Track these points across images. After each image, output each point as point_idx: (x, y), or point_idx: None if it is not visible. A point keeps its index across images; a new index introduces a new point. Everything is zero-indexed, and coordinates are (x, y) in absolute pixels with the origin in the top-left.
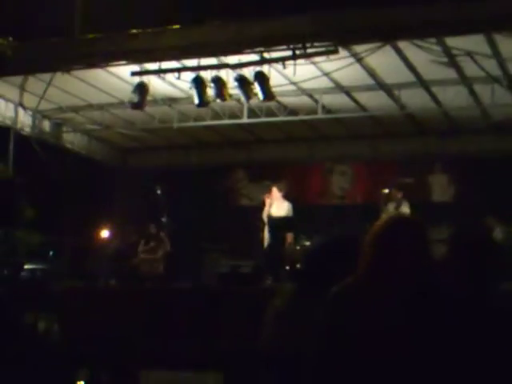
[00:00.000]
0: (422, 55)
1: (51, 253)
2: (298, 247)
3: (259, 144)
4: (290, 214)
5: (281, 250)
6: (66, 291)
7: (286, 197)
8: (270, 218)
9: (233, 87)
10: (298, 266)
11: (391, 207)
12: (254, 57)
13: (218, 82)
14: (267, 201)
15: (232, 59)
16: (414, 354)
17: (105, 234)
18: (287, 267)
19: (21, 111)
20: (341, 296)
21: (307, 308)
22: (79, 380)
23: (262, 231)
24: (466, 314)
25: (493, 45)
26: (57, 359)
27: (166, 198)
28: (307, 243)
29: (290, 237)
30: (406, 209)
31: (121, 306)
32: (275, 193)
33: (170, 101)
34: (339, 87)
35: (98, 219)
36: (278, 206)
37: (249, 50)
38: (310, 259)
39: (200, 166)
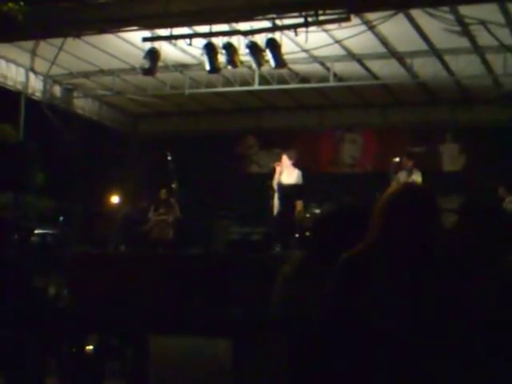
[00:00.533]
0: (435, 24)
1: (61, 218)
2: (308, 215)
3: (270, 111)
4: (300, 181)
5: (291, 217)
6: (76, 256)
7: (296, 165)
8: (280, 185)
9: (244, 54)
10: (308, 233)
11: (402, 176)
12: (266, 23)
13: (230, 49)
14: (277, 168)
15: (244, 26)
16: (425, 321)
17: (115, 199)
18: (297, 235)
19: (32, 76)
20: (350, 263)
21: (316, 275)
22: (88, 345)
23: (272, 199)
24: (476, 281)
25: (506, 14)
26: (66, 324)
27: (177, 164)
28: (317, 211)
29: (299, 205)
30: (417, 178)
31: (131, 272)
32: (285, 160)
33: (182, 67)
34: (351, 55)
35: (109, 185)
36: (288, 173)
37: (261, 17)
38: (319, 227)
39: (211, 133)
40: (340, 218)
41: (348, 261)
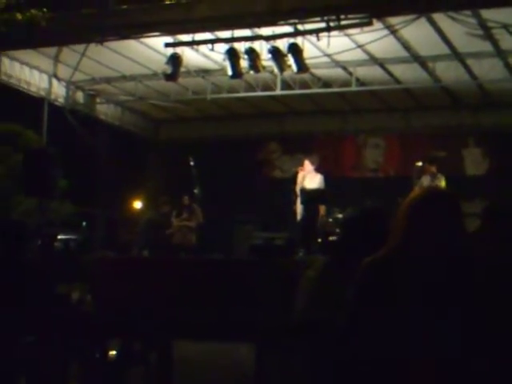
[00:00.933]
0: (457, 27)
1: (84, 223)
2: (331, 220)
3: (292, 116)
4: (323, 186)
5: (313, 222)
6: (98, 261)
7: (319, 169)
8: (303, 190)
9: (266, 59)
10: (331, 238)
11: (425, 181)
12: (288, 28)
13: (252, 54)
14: (300, 173)
15: (266, 31)
16: (450, 324)
17: (138, 205)
18: (319, 240)
19: (55, 82)
20: (373, 267)
21: (339, 279)
22: (111, 350)
23: (295, 204)
24: (500, 284)
25: None
26: (89, 329)
27: (199, 169)
28: (340, 216)
29: (322, 209)
30: (440, 182)
31: (154, 277)
32: (308, 166)
33: (204, 72)
34: (373, 59)
35: (131, 190)
36: (310, 178)
37: (283, 22)
38: (342, 231)
39: (233, 138)
40: (363, 222)
41: (371, 265)
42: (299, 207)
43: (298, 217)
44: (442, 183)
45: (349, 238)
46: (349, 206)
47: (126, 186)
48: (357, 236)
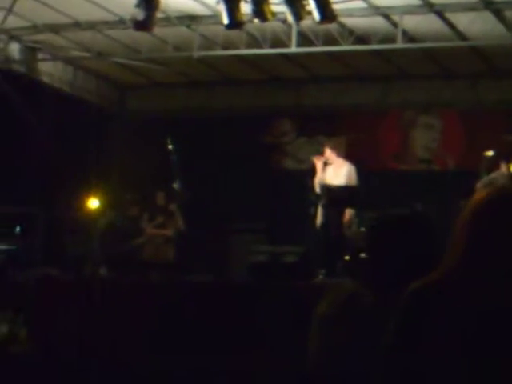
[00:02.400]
0: None
1: (18, 229)
2: (363, 229)
3: (313, 84)
4: (353, 181)
5: (339, 232)
6: (38, 283)
7: (348, 158)
8: (325, 187)
9: (277, 2)
10: (363, 255)
11: (501, 178)
12: None
13: None
14: (318, 164)
15: None
16: None
17: (94, 203)
18: (347, 257)
19: None
20: (423, 296)
21: (371, 315)
22: None
23: (314, 206)
24: None
25: None
26: (23, 377)
27: (181, 155)
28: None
29: (348, 214)
30: None
31: (114, 306)
32: (329, 153)
33: (190, 20)
34: (428, 5)
35: (85, 183)
36: (335, 171)
37: None
38: (375, 245)
39: (229, 113)
40: (407, 233)
41: (419, 294)
42: (320, 211)
43: (318, 224)
44: None
45: (380, 255)
46: (389, 211)
47: (77, 176)
48: (397, 253)
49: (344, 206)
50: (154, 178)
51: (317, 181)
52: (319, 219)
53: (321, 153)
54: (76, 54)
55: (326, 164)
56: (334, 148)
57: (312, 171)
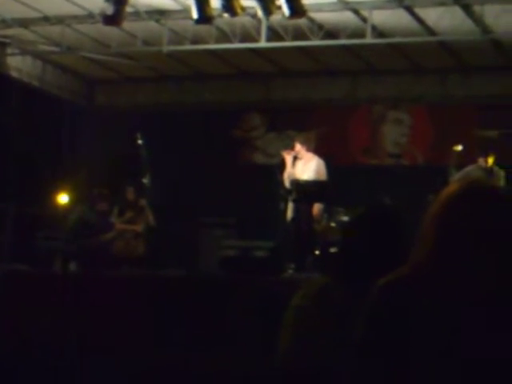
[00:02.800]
0: None
1: None
2: (333, 224)
3: (283, 78)
4: (323, 176)
5: (309, 227)
6: (5, 278)
7: (317, 152)
8: (295, 182)
9: None
10: (333, 249)
11: (476, 171)
12: None
13: None
14: (287, 158)
15: None
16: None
17: (63, 198)
18: (317, 251)
19: None
20: (392, 292)
21: (342, 310)
22: None
23: (284, 201)
24: None
25: None
26: None
27: (150, 150)
28: (345, 219)
29: (318, 209)
30: (498, 180)
31: (84, 301)
32: (299, 148)
33: (159, 14)
34: (396, 0)
35: (54, 177)
36: (304, 165)
37: None
38: (346, 240)
39: (198, 107)
40: (376, 227)
41: (387, 289)
42: (289, 206)
43: (288, 219)
44: (501, 181)
45: (352, 249)
46: (358, 206)
47: (46, 171)
48: (363, 247)
49: (313, 201)
50: (123, 172)
51: (286, 175)
52: (289, 214)
53: (291, 147)
54: (45, 48)
55: (295, 158)
56: (304, 142)
57: (282, 166)
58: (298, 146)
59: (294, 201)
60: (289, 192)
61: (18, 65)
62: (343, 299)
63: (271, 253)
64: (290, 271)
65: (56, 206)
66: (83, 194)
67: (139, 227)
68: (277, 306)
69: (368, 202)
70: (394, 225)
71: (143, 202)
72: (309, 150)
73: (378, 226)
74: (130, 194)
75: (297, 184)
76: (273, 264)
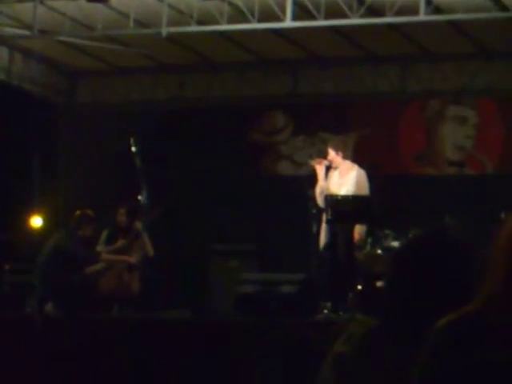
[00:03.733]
0: None
1: None
2: (379, 251)
3: (313, 67)
4: (364, 190)
5: (348, 255)
6: None
7: (357, 160)
8: (329, 198)
9: None
10: (379, 283)
11: None
12: None
13: None
14: (318, 169)
15: None
16: None
17: (36, 221)
18: (359, 286)
19: None
20: (455, 333)
21: (394, 356)
22: None
23: (317, 222)
24: None
25: None
26: None
27: (146, 159)
28: (395, 244)
29: (360, 232)
30: None
31: (63, 353)
32: (333, 155)
33: None
34: None
35: (24, 195)
36: (341, 177)
37: None
38: (396, 272)
39: (207, 105)
40: (432, 256)
41: (448, 331)
42: (323, 228)
43: (321, 245)
44: None
45: (402, 284)
46: (411, 228)
47: (14, 186)
48: (417, 282)
49: (354, 222)
50: (113, 188)
51: (319, 190)
52: (323, 239)
53: (323, 155)
54: (13, 32)
55: (329, 168)
56: (339, 148)
57: (313, 177)
58: (332, 153)
59: (329, 222)
60: (322, 211)
61: None
62: (393, 345)
63: (301, 288)
64: (326, 311)
65: (28, 231)
66: (62, 215)
67: (134, 258)
68: (309, 356)
69: (424, 223)
70: (457, 253)
71: (138, 225)
72: (346, 157)
73: (435, 254)
74: (122, 215)
75: (332, 200)
76: (303, 302)
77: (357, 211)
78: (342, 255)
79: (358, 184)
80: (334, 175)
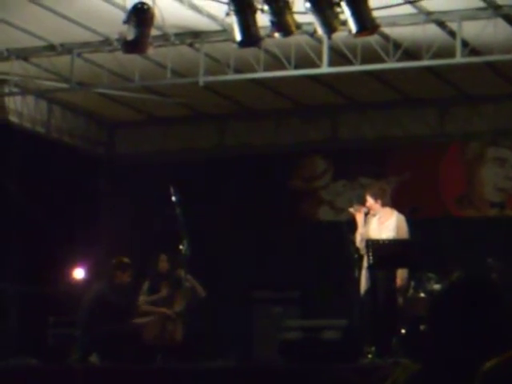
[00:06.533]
0: None
1: None
2: (423, 294)
3: (352, 112)
4: (405, 235)
5: (390, 299)
6: (12, 375)
7: (399, 204)
8: (370, 243)
9: (303, 11)
10: (423, 327)
11: None
12: None
13: (277, 3)
14: (358, 216)
15: None
16: None
17: (78, 273)
18: (403, 330)
19: None
20: (501, 377)
21: None
22: None
23: (358, 267)
24: None
25: None
26: None
27: (187, 208)
28: (438, 287)
29: (402, 276)
30: None
31: None
32: (371, 202)
33: (193, 37)
34: (492, 7)
35: (66, 248)
36: (380, 222)
37: None
38: (434, 316)
39: (246, 152)
40: (474, 300)
41: (495, 375)
42: (364, 273)
43: (363, 290)
44: None
45: (444, 328)
46: (454, 270)
47: (56, 240)
48: (458, 326)
49: (395, 266)
50: (154, 236)
51: (359, 238)
52: (364, 284)
53: (363, 200)
54: (50, 84)
55: (367, 214)
56: (378, 195)
57: (353, 223)
58: (371, 201)
59: (370, 267)
60: (363, 256)
61: (18, 107)
62: None
63: (344, 334)
64: (370, 356)
65: (70, 284)
66: (102, 266)
67: (177, 307)
68: None
69: (466, 265)
70: (498, 297)
71: (181, 273)
72: (384, 204)
73: (476, 298)
74: (164, 261)
75: (373, 245)
76: (347, 348)
77: (398, 255)
78: (383, 300)
79: (398, 229)
80: (373, 222)
